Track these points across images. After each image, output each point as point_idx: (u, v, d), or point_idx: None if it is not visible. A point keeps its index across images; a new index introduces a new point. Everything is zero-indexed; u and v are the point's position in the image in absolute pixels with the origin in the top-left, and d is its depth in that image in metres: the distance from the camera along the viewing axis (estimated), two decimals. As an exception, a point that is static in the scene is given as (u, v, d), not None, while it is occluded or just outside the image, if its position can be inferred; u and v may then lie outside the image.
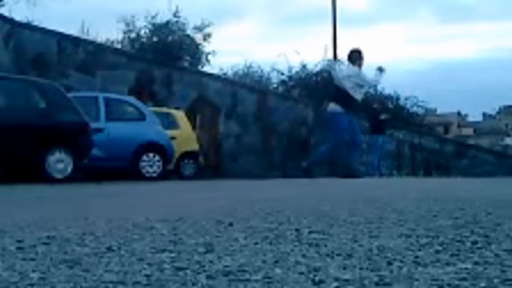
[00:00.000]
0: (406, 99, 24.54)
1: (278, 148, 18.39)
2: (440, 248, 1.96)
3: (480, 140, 49.53)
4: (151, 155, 12.05)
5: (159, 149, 12.16)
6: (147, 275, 1.61)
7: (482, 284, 1.46)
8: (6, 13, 16.86)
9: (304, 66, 22.49)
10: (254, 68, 26.56)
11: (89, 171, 10.93)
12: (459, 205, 3.33)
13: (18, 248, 2.12)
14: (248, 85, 21.51)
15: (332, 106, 10.50)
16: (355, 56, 10.64)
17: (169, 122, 13.51)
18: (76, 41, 16.75)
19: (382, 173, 16.06)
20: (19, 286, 1.53)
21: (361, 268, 1.66)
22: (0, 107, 9.45)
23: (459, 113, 71.77)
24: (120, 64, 16.63)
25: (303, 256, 1.86)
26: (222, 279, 1.56)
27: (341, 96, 10.37)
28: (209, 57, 23.82)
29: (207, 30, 23.69)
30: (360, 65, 10.67)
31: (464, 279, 1.52)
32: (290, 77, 22.75)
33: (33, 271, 1.70)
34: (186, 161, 14.13)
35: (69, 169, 9.73)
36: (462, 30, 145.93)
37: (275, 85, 23.51)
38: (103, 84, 15.67)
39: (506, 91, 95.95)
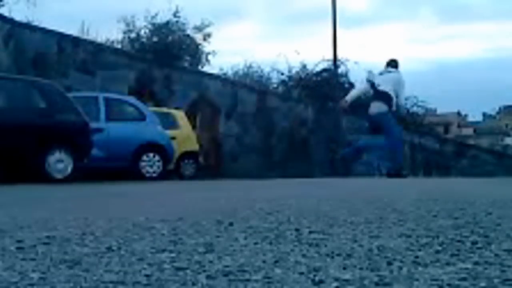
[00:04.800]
0: (406, 99, 24.50)
1: (278, 148, 18.39)
2: (440, 248, 1.96)
3: (480, 140, 49.50)
4: (151, 155, 12.05)
5: (159, 149, 12.16)
6: (147, 275, 1.61)
7: (482, 284, 1.46)
8: (6, 13, 16.84)
9: (304, 66, 22.51)
10: (254, 68, 26.56)
11: (89, 171, 10.93)
12: (459, 205, 3.33)
13: (18, 248, 2.12)
14: (248, 85, 21.51)
15: (379, 106, 10.77)
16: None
17: (169, 122, 13.51)
18: (76, 41, 16.74)
19: (382, 173, 16.05)
20: (19, 286, 1.53)
21: (361, 268, 1.66)
22: (0, 107, 9.45)
23: (459, 113, 71.74)
24: (120, 64, 16.63)
25: (303, 256, 1.86)
26: (222, 279, 1.56)
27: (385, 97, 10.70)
28: (209, 57, 23.82)
29: (207, 30, 23.68)
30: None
31: (464, 279, 1.52)
32: (290, 77, 22.76)
33: (33, 271, 1.70)
34: (186, 161, 14.13)
35: (69, 169, 9.73)
36: (462, 30, 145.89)
37: (275, 85, 23.51)
38: (103, 84, 15.67)
39: (506, 91, 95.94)
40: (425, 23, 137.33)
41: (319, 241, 2.15)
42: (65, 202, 5.27)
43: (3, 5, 18.10)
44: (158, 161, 12.09)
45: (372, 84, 10.86)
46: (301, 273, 1.60)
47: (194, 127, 15.29)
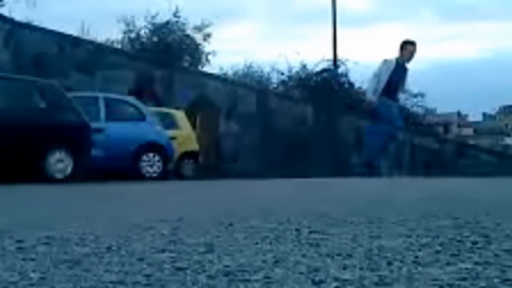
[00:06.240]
0: (406, 99, 24.53)
1: (278, 148, 18.39)
2: (440, 248, 1.96)
3: (480, 140, 49.49)
4: (151, 155, 12.06)
5: (159, 149, 12.16)
6: (147, 275, 1.61)
7: (482, 284, 1.46)
8: (6, 13, 16.85)
9: (304, 66, 22.48)
10: (254, 68, 26.54)
11: (89, 171, 10.93)
12: (459, 205, 3.33)
13: (18, 248, 2.12)
14: (248, 85, 21.51)
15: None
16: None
17: (169, 122, 13.51)
18: (76, 41, 16.75)
19: (382, 173, 16.04)
20: (19, 286, 1.53)
21: (361, 268, 1.66)
22: (0, 107, 9.45)
23: (459, 113, 71.72)
24: (120, 64, 16.64)
25: (303, 256, 1.86)
26: (222, 279, 1.56)
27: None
28: (209, 57, 23.82)
29: (207, 30, 23.68)
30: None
31: (464, 279, 1.52)
32: (290, 77, 22.75)
33: (33, 271, 1.70)
34: (186, 161, 14.13)
35: (69, 169, 9.74)
36: (463, 30, 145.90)
37: (275, 85, 23.50)
38: (103, 84, 15.67)
39: (506, 91, 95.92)
40: (426, 23, 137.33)
41: (319, 241, 2.15)
42: (65, 202, 5.27)
43: (3, 5, 18.11)
44: (158, 161, 12.09)
45: None
46: (301, 273, 1.60)
47: (194, 127, 15.30)
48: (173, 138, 12.85)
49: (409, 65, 10.33)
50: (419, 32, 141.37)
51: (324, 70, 22.31)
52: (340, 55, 22.42)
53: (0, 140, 9.05)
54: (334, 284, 1.48)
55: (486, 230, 2.34)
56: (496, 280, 1.50)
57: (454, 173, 18.26)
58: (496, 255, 1.83)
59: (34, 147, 9.39)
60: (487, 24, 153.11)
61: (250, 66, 26.60)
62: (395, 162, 18.64)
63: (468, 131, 67.05)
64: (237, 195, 5.21)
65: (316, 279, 1.54)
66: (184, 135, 14.00)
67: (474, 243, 2.05)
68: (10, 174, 9.51)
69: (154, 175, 11.93)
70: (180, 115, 14.44)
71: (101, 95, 12.49)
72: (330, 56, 22.30)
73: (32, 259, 1.88)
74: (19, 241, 2.25)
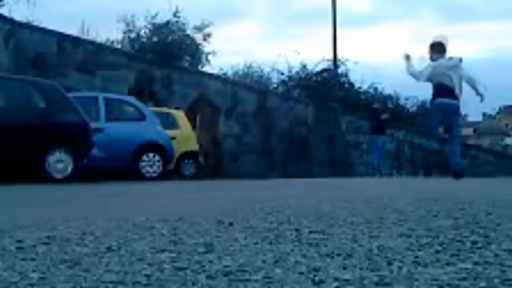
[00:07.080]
0: (406, 99, 24.53)
1: (278, 148, 18.38)
2: (440, 248, 1.96)
3: (480, 140, 49.48)
4: (151, 155, 12.06)
5: (159, 149, 12.16)
6: (147, 275, 1.61)
7: (482, 284, 1.46)
8: (6, 13, 16.85)
9: (304, 66, 22.47)
10: (254, 68, 26.54)
11: (89, 171, 10.93)
12: (459, 205, 3.33)
13: (18, 248, 2.12)
14: (248, 85, 21.50)
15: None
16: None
17: (169, 122, 13.52)
18: (76, 41, 16.75)
19: (382, 173, 16.07)
20: (19, 286, 1.53)
21: (361, 268, 1.66)
22: (0, 107, 9.45)
23: (459, 113, 71.54)
24: (120, 64, 16.64)
25: (303, 256, 1.86)
26: (222, 279, 1.56)
27: None
28: (209, 57, 23.81)
29: (207, 30, 23.67)
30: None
31: (464, 279, 1.52)
32: (290, 77, 22.74)
33: (33, 271, 1.70)
34: (186, 161, 14.13)
35: (69, 169, 9.74)
36: (463, 30, 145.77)
37: (275, 85, 23.49)
38: (103, 84, 15.67)
39: (506, 91, 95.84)
40: (426, 23, 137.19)
41: (319, 241, 2.15)
42: (65, 202, 5.27)
43: (3, 5, 18.11)
44: (158, 161, 12.10)
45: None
46: (301, 273, 1.60)
47: (194, 127, 15.30)
48: (173, 138, 12.85)
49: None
50: (419, 32, 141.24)
51: (324, 70, 22.30)
52: (340, 55, 22.38)
53: (0, 140, 9.05)
54: (334, 284, 1.48)
55: (486, 230, 2.34)
56: (496, 280, 1.50)
57: (454, 173, 18.23)
58: (496, 255, 1.83)
59: (34, 147, 9.39)
60: (488, 24, 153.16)
61: (250, 66, 26.62)
62: (395, 162, 18.65)
63: (468, 131, 67.00)
64: (237, 195, 5.20)
65: (316, 279, 1.54)
66: (184, 135, 14.00)
67: (474, 243, 2.05)
68: (10, 174, 9.51)
69: (154, 175, 11.93)
70: (180, 115, 14.44)
71: (101, 95, 12.50)
72: (330, 56, 22.27)
73: (32, 259, 1.88)
74: (19, 241, 2.25)
